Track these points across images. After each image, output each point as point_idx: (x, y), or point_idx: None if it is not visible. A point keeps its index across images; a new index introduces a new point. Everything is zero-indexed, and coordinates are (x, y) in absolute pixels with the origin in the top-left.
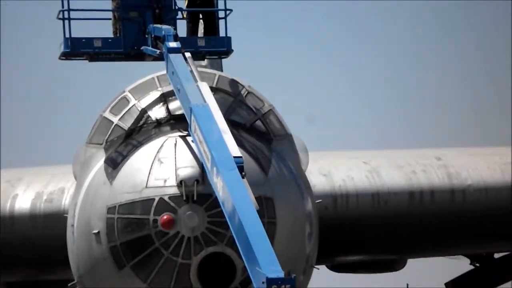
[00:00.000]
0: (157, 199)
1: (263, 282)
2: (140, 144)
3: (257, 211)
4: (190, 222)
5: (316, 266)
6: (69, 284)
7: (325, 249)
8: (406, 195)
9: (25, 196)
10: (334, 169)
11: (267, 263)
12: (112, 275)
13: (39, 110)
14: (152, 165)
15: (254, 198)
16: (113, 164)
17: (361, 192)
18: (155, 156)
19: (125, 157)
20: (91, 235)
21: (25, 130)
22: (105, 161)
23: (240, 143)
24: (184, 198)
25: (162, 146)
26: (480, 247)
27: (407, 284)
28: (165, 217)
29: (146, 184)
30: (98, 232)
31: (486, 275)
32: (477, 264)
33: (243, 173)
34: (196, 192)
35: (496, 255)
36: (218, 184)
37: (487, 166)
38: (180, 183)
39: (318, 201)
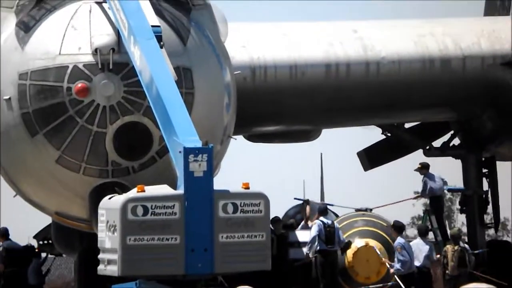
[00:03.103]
0: (71, 66)
1: (180, 152)
2: (53, 9)
3: (175, 81)
4: (106, 91)
5: (233, 136)
6: None
7: (243, 119)
8: (323, 67)
9: None
10: (253, 40)
11: (184, 133)
12: (24, 142)
13: None
14: (65, 31)
15: (173, 68)
16: (25, 29)
17: (279, 64)
18: (69, 23)
19: (37, 21)
20: (2, 101)
21: None
22: (17, 25)
23: (158, 12)
24: (100, 66)
25: (76, 12)
26: (392, 117)
27: (321, 154)
28: (79, 85)
29: (60, 51)
30: (9, 98)
31: (396, 144)
32: (389, 134)
33: (161, 43)
34: (112, 60)
35: (407, 125)
36: (136, 53)
37: (401, 39)
38: (95, 51)
39: (236, 72)
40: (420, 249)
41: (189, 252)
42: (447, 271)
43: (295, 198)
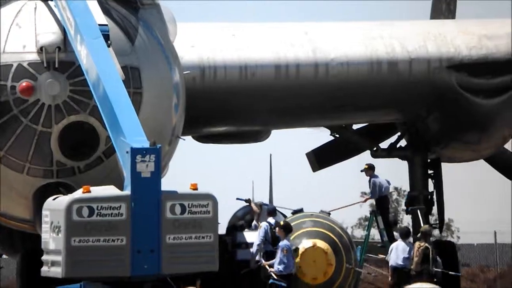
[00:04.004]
0: (15, 65)
1: (127, 152)
2: None
3: (123, 81)
4: (51, 90)
5: (182, 137)
6: None
7: (192, 120)
8: (273, 68)
9: None
10: (203, 40)
11: (131, 133)
12: None
13: None
14: (10, 29)
15: (120, 67)
16: None
17: (229, 64)
18: (13, 20)
19: None
20: None
21: None
22: None
23: (105, 11)
24: (45, 65)
25: (21, 9)
26: (340, 118)
27: (270, 155)
28: (24, 83)
29: (3, 49)
30: None
31: (344, 145)
32: (337, 135)
33: (108, 42)
34: (58, 59)
35: (355, 126)
36: (82, 52)
37: (350, 41)
38: (41, 49)
39: (185, 72)
40: (400, 250)
41: (135, 253)
42: (412, 267)
43: (237, 199)
